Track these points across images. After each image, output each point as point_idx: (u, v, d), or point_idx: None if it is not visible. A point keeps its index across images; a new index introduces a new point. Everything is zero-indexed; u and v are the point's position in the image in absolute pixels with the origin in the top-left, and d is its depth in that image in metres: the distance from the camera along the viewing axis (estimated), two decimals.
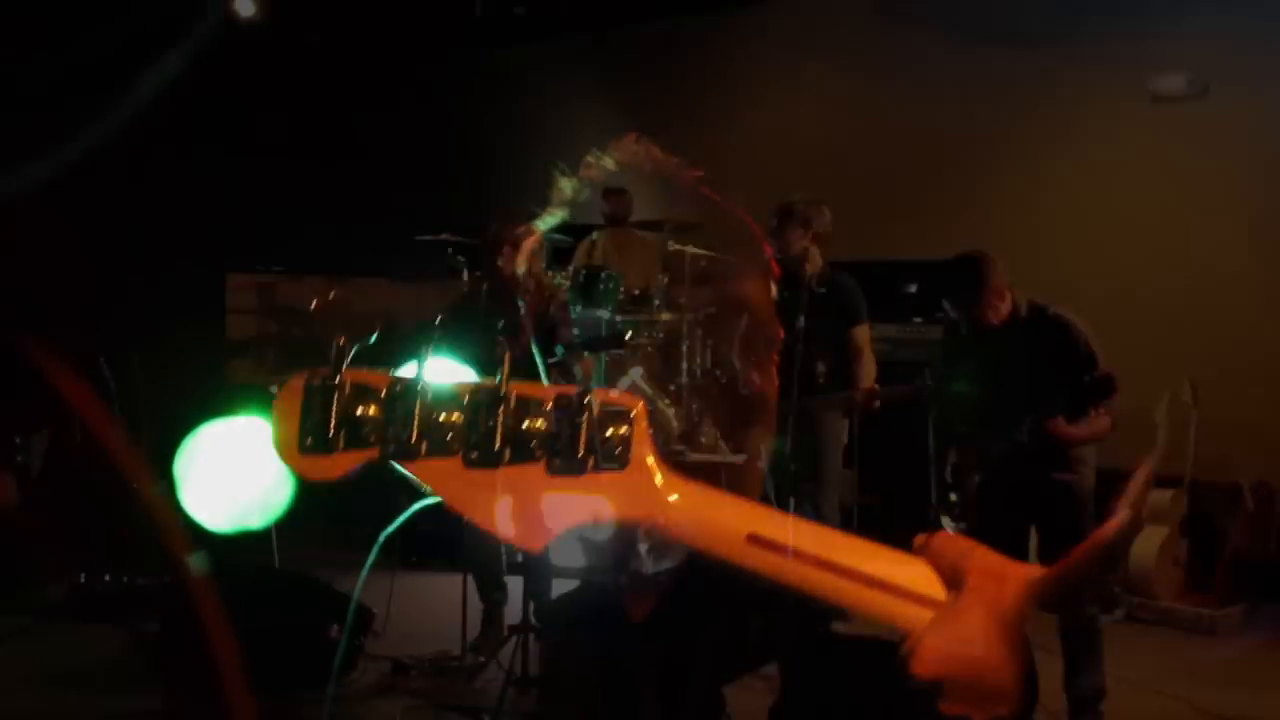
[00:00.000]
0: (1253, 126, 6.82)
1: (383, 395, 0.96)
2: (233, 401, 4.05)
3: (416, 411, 0.95)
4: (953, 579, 0.92)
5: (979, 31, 7.83)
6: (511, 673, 4.58)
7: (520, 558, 5.05)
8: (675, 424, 6.35)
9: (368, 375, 0.97)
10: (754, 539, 0.95)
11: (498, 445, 0.94)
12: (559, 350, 4.92)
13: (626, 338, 5.12)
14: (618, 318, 6.19)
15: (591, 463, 0.94)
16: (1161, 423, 6.17)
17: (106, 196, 7.20)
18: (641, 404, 0.96)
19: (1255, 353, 6.63)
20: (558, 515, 0.95)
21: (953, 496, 4.49)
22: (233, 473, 3.91)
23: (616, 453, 0.94)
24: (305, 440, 0.96)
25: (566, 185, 2.10)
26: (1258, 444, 6.47)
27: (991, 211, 7.55)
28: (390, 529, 1.18)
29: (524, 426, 0.94)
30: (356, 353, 0.98)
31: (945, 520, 4.50)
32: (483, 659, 5.05)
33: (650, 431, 0.96)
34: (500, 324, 4.90)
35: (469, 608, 5.12)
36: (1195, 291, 6.86)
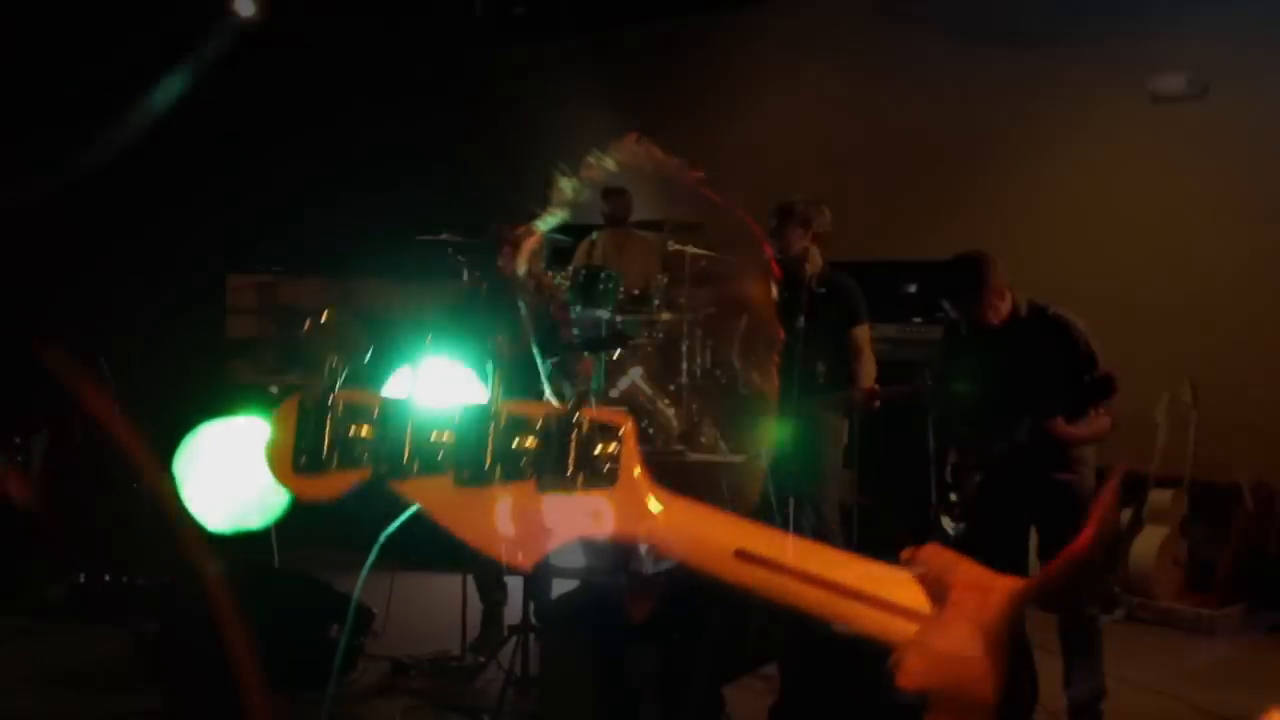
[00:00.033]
0: (1253, 126, 6.81)
1: (375, 415, 0.97)
2: (232, 401, 4.05)
3: (408, 431, 0.96)
4: (937, 592, 0.94)
5: (979, 31, 7.83)
6: (511, 673, 4.58)
7: None
8: (675, 424, 6.36)
9: (360, 395, 0.98)
10: (742, 554, 0.96)
11: (488, 464, 0.95)
12: (559, 351, 4.92)
13: (627, 339, 5.12)
14: (618, 318, 6.19)
15: (581, 480, 0.95)
16: (1161, 423, 6.18)
17: (106, 197, 7.19)
18: (630, 421, 0.97)
19: (1255, 353, 6.63)
20: (548, 532, 0.96)
21: (953, 496, 4.49)
22: (232, 473, 3.91)
23: (605, 470, 0.95)
24: (299, 460, 0.97)
25: (567, 185, 2.10)
26: (1258, 444, 6.46)
27: (991, 211, 7.54)
28: (390, 529, 1.18)
29: (514, 445, 0.96)
30: (350, 371, 0.98)
31: (945, 520, 4.50)
32: (483, 659, 5.05)
33: (645, 438, 0.96)
34: (500, 324, 4.90)
35: (469, 608, 5.13)
36: (1195, 291, 6.85)
